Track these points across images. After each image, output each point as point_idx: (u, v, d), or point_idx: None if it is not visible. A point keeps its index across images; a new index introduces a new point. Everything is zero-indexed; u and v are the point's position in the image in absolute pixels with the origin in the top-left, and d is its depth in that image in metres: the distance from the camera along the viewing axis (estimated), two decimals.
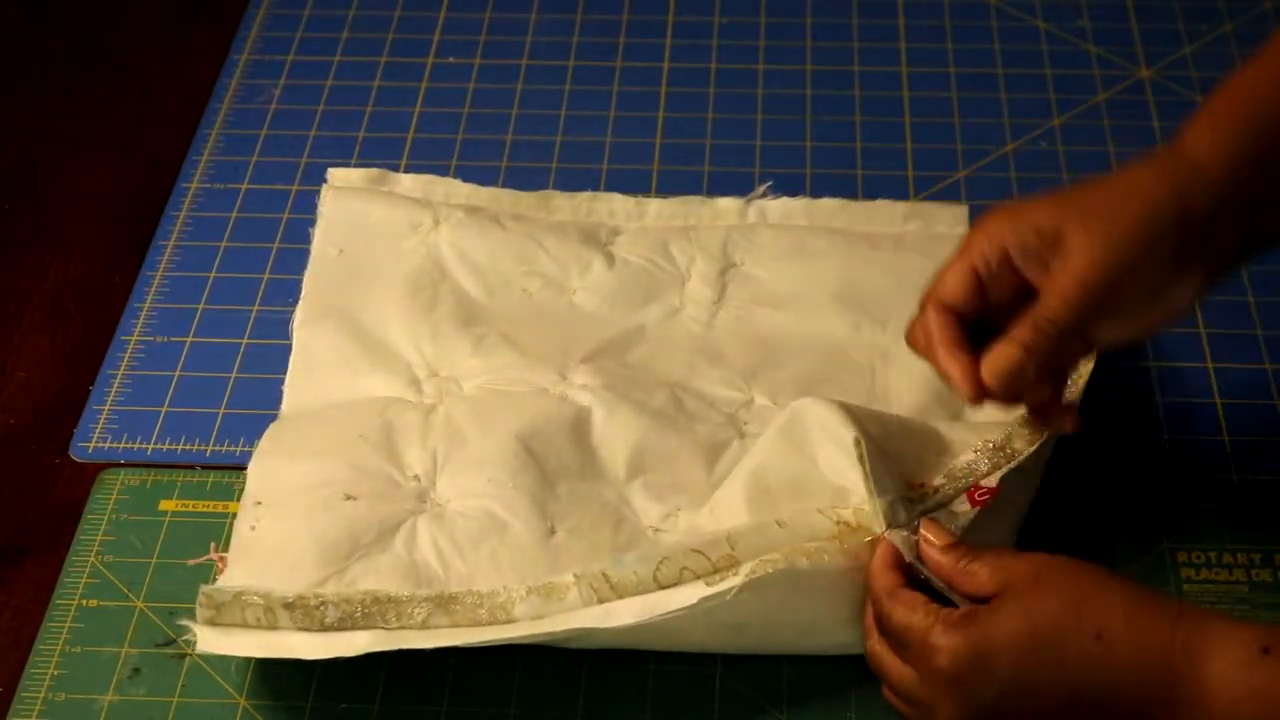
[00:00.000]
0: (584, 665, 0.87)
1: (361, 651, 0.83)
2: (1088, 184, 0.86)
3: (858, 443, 0.85)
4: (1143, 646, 0.75)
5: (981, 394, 0.84)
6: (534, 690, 0.87)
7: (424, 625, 0.84)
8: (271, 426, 0.96)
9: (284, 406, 0.98)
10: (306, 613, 0.84)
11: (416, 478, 0.91)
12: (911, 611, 0.80)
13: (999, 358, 0.84)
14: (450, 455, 0.92)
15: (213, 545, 0.91)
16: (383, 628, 0.84)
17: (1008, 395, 0.85)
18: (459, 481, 0.91)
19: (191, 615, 0.85)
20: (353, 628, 0.84)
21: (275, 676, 0.87)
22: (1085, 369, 0.93)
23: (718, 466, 0.93)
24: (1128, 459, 0.97)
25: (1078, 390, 0.93)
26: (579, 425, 0.94)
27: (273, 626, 0.84)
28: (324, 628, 0.84)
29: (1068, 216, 0.84)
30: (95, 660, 0.88)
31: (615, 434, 0.94)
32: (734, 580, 0.82)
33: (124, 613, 0.90)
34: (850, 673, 0.87)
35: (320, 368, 0.99)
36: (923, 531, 0.83)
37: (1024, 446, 0.89)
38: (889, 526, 0.84)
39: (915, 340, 0.88)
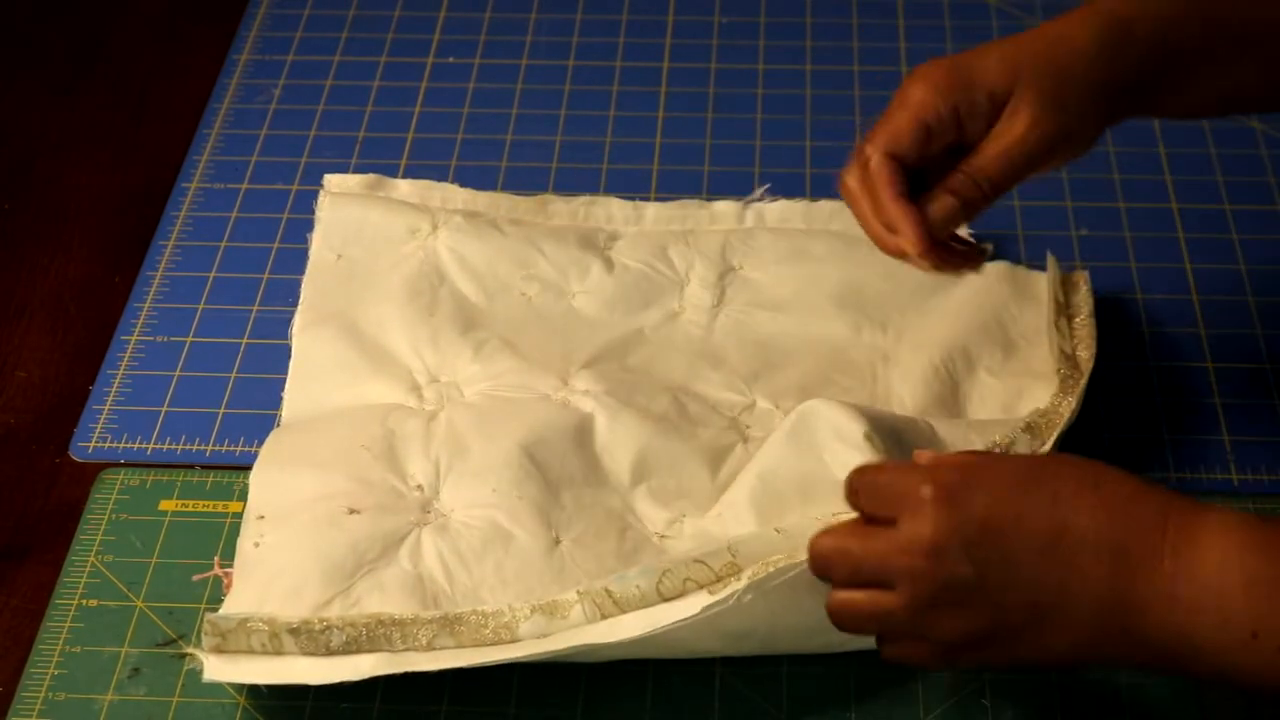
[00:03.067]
0: (584, 665, 0.87)
1: (367, 675, 0.83)
2: (1027, 38, 0.88)
3: (868, 437, 0.86)
4: (1138, 501, 0.75)
5: (928, 245, 0.86)
6: (534, 690, 0.87)
7: (429, 647, 0.84)
8: (272, 434, 0.95)
9: (284, 413, 0.98)
10: (311, 637, 0.83)
11: (420, 488, 0.91)
12: (906, 469, 0.77)
13: (942, 207, 0.86)
14: (453, 464, 0.92)
15: (217, 560, 0.90)
16: (388, 650, 0.84)
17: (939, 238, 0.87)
18: (462, 491, 0.91)
19: (192, 616, 0.85)
20: (358, 651, 0.84)
21: None
22: (1064, 408, 0.94)
23: (721, 471, 0.93)
24: (1128, 459, 0.97)
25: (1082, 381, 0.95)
26: (582, 432, 0.94)
27: (278, 652, 0.83)
28: (329, 652, 0.83)
29: (1020, 80, 0.86)
30: (95, 660, 0.88)
31: (618, 440, 0.93)
32: (736, 585, 0.81)
33: (124, 612, 0.90)
34: (850, 673, 0.87)
35: (320, 374, 0.99)
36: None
37: (1026, 449, 0.90)
38: None
39: (850, 188, 0.88)
